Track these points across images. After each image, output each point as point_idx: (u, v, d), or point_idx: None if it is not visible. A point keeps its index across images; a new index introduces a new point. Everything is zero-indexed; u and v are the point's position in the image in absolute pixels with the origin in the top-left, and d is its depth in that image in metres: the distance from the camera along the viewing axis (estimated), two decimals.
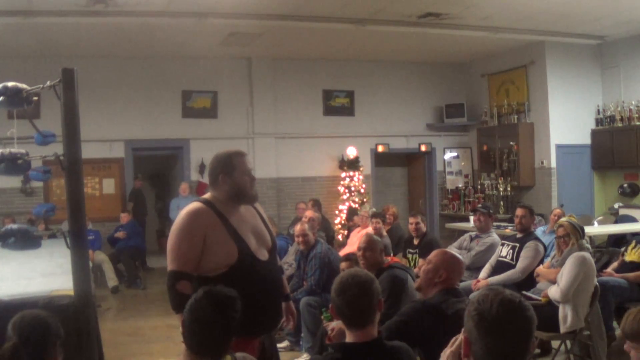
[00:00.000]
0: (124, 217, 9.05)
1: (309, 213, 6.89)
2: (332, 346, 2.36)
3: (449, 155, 11.68)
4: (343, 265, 4.60)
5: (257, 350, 2.72)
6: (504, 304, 1.47)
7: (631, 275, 5.04)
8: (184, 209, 2.72)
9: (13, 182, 9.02)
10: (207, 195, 2.79)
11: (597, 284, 4.36)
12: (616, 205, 9.35)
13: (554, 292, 4.23)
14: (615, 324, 5.15)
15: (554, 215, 6.60)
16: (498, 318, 1.46)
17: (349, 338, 2.22)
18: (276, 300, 2.85)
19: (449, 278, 2.90)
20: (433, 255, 3.03)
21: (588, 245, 4.68)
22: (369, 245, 4.19)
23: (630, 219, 8.43)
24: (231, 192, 2.72)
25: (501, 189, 10.11)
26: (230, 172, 2.72)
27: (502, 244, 5.44)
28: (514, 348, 1.47)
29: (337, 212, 10.25)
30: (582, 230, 4.80)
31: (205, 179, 10.11)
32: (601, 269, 5.52)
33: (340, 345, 2.33)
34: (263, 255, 2.77)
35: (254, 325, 2.64)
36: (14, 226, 2.70)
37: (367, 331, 2.20)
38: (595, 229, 7.71)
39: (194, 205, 2.72)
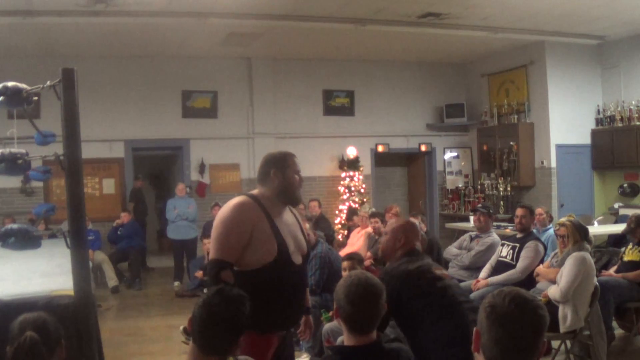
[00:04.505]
0: (124, 217, 9.05)
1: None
2: (331, 349, 2.36)
3: (449, 155, 11.68)
4: (345, 264, 4.60)
5: (276, 344, 2.80)
6: (517, 299, 1.51)
7: (631, 274, 5.04)
8: (232, 201, 2.75)
9: (13, 182, 9.03)
10: (254, 192, 2.83)
11: (597, 283, 4.36)
12: (616, 205, 9.35)
13: (553, 291, 4.23)
14: (615, 323, 5.16)
15: (539, 215, 6.56)
16: (509, 311, 1.49)
17: (347, 341, 2.21)
18: (301, 302, 2.93)
19: (408, 240, 3.09)
20: (388, 226, 3.31)
21: (588, 246, 4.67)
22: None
23: None
24: (279, 189, 2.78)
25: (501, 189, 10.11)
26: (283, 168, 2.80)
27: (502, 244, 5.44)
28: (521, 343, 1.48)
29: (337, 212, 10.25)
30: (586, 231, 4.75)
31: (205, 179, 10.21)
32: (601, 269, 5.52)
33: (339, 348, 2.32)
34: (297, 259, 2.82)
35: (280, 321, 2.75)
36: (14, 226, 2.69)
37: (367, 335, 2.19)
38: (595, 229, 7.70)
39: (243, 198, 2.76)
